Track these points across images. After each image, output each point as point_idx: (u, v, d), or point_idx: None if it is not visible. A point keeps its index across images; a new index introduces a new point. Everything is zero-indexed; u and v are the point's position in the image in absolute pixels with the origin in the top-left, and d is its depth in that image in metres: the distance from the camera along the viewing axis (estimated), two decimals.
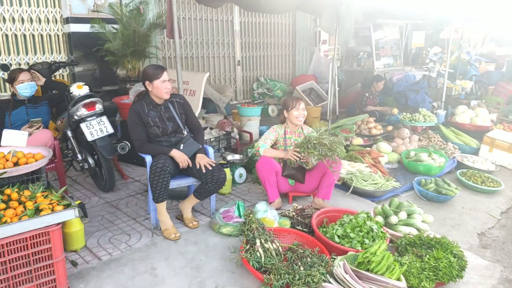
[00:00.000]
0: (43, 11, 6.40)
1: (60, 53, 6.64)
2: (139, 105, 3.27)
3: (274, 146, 3.85)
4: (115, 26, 6.54)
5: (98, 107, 3.76)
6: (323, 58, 10.26)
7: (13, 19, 6.01)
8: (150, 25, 6.60)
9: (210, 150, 3.52)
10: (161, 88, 3.19)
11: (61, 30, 6.58)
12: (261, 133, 7.17)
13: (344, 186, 4.34)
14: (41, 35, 6.42)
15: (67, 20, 6.42)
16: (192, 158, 3.35)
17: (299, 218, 3.37)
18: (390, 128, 6.16)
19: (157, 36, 7.25)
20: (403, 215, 3.41)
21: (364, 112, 7.10)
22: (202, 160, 3.27)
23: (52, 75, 4.53)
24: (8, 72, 3.95)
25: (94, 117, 3.74)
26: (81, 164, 3.88)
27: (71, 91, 3.76)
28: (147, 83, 3.21)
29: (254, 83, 9.30)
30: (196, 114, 5.53)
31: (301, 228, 3.30)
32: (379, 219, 3.42)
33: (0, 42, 5.90)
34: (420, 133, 6.12)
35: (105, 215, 3.59)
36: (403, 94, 7.94)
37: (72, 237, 2.93)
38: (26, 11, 6.19)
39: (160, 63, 7.41)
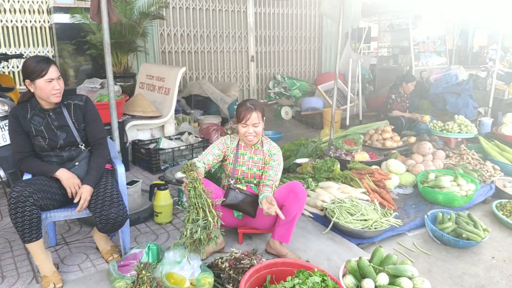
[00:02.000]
0: (27, 1, 5.88)
1: (47, 46, 6.11)
2: (20, 108, 2.46)
3: (223, 162, 2.90)
4: None
5: (1, 108, 3.03)
6: (354, 55, 9.04)
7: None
8: (139, 15, 5.88)
9: (121, 170, 2.63)
10: (46, 90, 2.36)
11: (48, 21, 6.03)
12: None
13: (326, 219, 3.28)
14: (26, 27, 5.91)
15: (52, 10, 5.85)
16: None
17: (231, 272, 2.39)
18: (412, 140, 4.91)
19: (153, 27, 6.52)
20: (383, 279, 2.32)
21: (389, 118, 5.90)
22: (86, 194, 2.37)
23: None
24: None
25: None
26: None
27: None
28: (27, 82, 2.39)
29: (271, 81, 8.32)
30: (168, 116, 4.73)
31: None
32: (349, 280, 2.36)
33: None
34: (450, 148, 4.83)
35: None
36: (441, 97, 6.59)
37: None
38: (9, 1, 5.69)
39: (154, 57, 6.67)
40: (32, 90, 2.40)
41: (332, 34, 8.93)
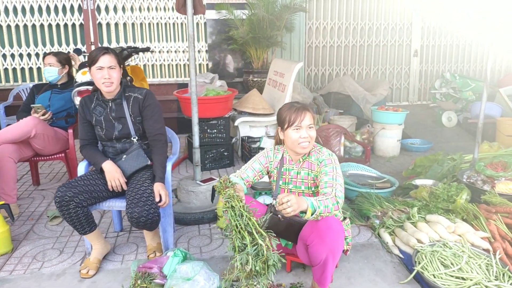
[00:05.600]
0: None
1: (201, 41, 6.54)
2: (88, 97, 2.61)
3: (269, 180, 2.48)
4: (246, 11, 5.99)
5: None
6: None
7: (157, 8, 6.25)
8: (281, 8, 5.75)
9: (168, 168, 2.53)
10: (96, 77, 2.42)
11: (204, 18, 6.48)
12: (405, 149, 5.31)
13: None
14: (184, 24, 6.38)
15: (205, 7, 6.25)
16: (135, 176, 2.50)
17: None
18: None
19: (300, 21, 6.30)
20: None
21: None
22: (162, 190, 2.39)
23: (127, 61, 4.31)
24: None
25: None
26: None
27: (75, 78, 3.44)
28: (89, 70, 2.50)
29: (437, 80, 7.05)
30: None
31: None
32: None
33: (153, 31, 6.26)
34: None
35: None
36: None
37: None
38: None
39: (299, 52, 6.44)
40: (92, 79, 2.51)
41: None
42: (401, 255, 2.63)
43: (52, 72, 3.50)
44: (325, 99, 6.15)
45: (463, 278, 2.20)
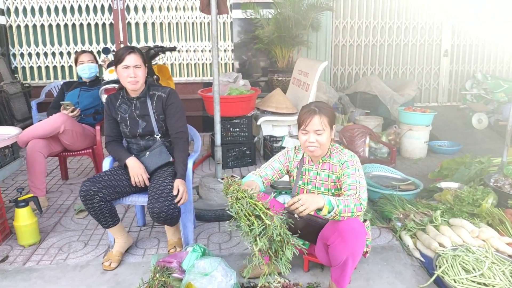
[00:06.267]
0: None
1: (227, 40, 6.58)
2: (114, 95, 2.69)
3: (290, 179, 2.48)
4: (272, 11, 5.99)
5: None
6: None
7: (184, 8, 6.34)
8: (308, 7, 5.72)
9: (189, 165, 2.58)
10: (122, 76, 2.49)
11: (230, 17, 6.52)
12: (433, 151, 5.19)
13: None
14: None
15: (232, 7, 6.31)
16: (157, 172, 2.55)
17: None
18: None
19: (327, 20, 6.25)
20: None
21: None
22: (181, 187, 2.42)
23: (154, 60, 4.40)
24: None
25: None
26: None
27: (103, 76, 3.54)
28: (115, 68, 2.58)
29: (468, 81, 6.84)
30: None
31: None
32: None
33: (181, 30, 6.38)
34: None
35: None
36: None
37: (18, 231, 2.73)
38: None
39: (325, 51, 6.39)
40: (118, 77, 2.58)
41: None
42: (422, 259, 2.58)
43: (93, 69, 3.65)
44: (351, 99, 6.09)
45: (485, 284, 2.14)
